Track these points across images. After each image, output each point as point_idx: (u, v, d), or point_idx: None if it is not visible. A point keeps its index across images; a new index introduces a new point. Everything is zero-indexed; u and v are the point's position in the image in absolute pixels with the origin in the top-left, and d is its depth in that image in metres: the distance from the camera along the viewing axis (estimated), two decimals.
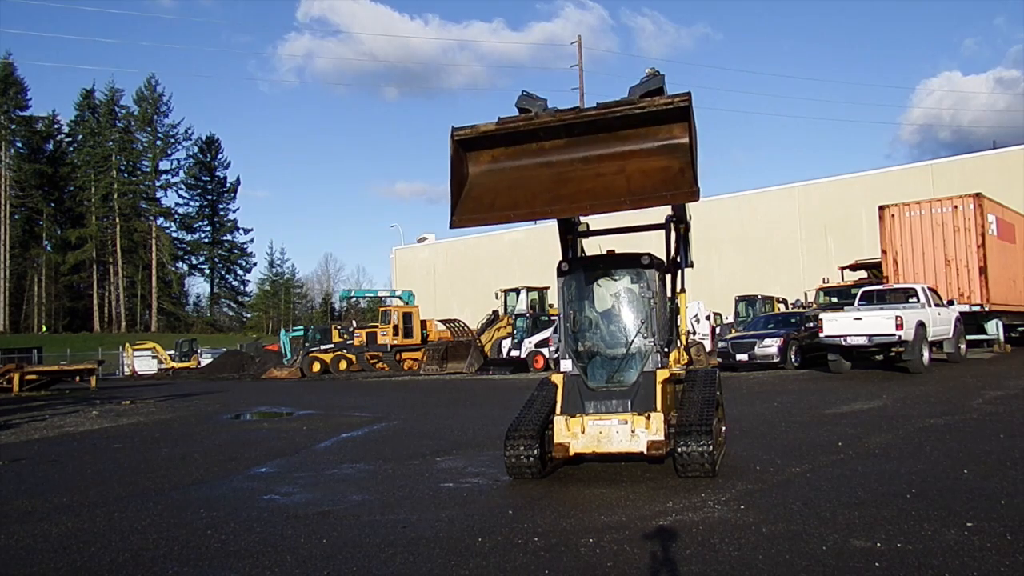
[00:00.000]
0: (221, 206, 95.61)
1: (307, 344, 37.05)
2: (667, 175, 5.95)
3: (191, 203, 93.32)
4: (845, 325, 16.54)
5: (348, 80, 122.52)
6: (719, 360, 20.67)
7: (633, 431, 6.87)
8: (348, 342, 33.93)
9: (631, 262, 7.44)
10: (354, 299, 49.77)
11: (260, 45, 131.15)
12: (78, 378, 28.31)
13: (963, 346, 18.67)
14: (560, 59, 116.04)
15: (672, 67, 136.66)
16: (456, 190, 6.39)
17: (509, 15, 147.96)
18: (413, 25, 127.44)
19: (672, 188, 5.92)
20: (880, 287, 19.10)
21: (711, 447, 6.72)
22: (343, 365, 33.02)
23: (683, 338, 8.50)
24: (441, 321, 33.81)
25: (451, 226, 6.35)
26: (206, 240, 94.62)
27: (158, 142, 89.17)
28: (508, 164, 6.48)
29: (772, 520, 5.39)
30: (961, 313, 18.68)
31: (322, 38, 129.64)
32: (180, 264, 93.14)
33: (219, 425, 14.56)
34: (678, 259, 8.22)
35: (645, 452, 6.80)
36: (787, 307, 27.79)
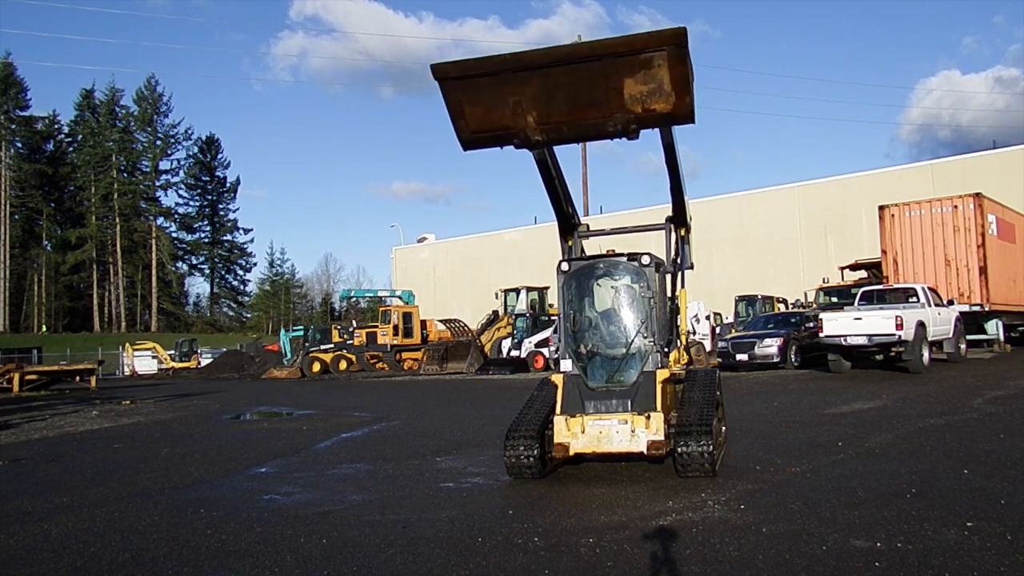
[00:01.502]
0: (221, 206, 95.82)
1: (307, 344, 37.04)
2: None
3: (191, 203, 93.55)
4: (845, 325, 16.54)
5: (343, 79, 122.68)
6: (719, 360, 20.67)
7: (633, 431, 6.87)
8: (348, 342, 33.92)
9: (631, 262, 7.44)
10: (354, 299, 49.72)
11: (254, 44, 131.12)
12: (78, 378, 28.30)
13: (963, 346, 18.68)
14: None
15: None
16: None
17: (505, 13, 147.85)
18: (408, 23, 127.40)
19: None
20: (880, 287, 19.10)
21: (711, 447, 6.72)
22: (343, 365, 33.01)
23: (683, 338, 8.51)
24: (441, 321, 33.82)
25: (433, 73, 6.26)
26: (206, 240, 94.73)
27: (158, 142, 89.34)
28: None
29: (772, 520, 5.39)
30: (961, 313, 18.68)
31: (316, 36, 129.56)
32: (180, 264, 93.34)
33: (219, 425, 14.56)
34: (678, 260, 8.23)
35: (645, 452, 6.80)
36: (787, 307, 27.80)
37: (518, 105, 6.26)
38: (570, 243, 8.15)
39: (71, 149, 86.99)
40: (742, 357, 19.89)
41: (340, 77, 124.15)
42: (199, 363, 45.15)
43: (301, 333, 42.62)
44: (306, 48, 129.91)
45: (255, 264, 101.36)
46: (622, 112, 6.06)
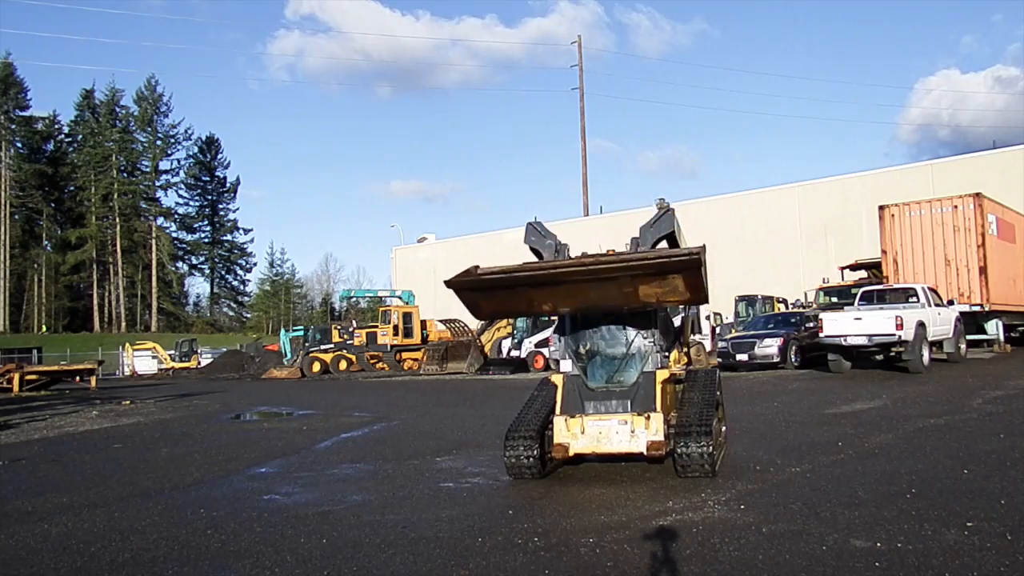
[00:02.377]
0: (221, 206, 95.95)
1: (307, 344, 37.05)
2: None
3: (191, 203, 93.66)
4: (845, 325, 16.54)
5: (340, 78, 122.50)
6: (719, 360, 20.66)
7: (633, 431, 6.87)
8: (348, 342, 33.94)
9: None
10: (354, 299, 49.76)
11: (250, 43, 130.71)
12: (78, 378, 28.31)
13: (963, 346, 18.67)
14: (555, 55, 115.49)
15: (669, 67, 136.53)
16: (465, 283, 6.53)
17: (502, 11, 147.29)
18: (404, 21, 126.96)
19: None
20: (880, 287, 19.10)
21: (711, 447, 6.72)
22: (343, 365, 33.02)
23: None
24: (441, 321, 33.81)
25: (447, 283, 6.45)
26: (206, 240, 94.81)
27: (158, 142, 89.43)
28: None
29: (772, 520, 5.39)
30: (961, 313, 18.68)
31: (312, 35, 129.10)
32: (180, 264, 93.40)
33: (219, 425, 14.56)
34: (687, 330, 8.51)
35: (645, 452, 6.79)
36: (787, 307, 27.78)
37: (532, 300, 6.72)
38: None
39: (71, 149, 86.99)
40: (742, 357, 19.89)
41: (337, 76, 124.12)
42: (199, 363, 45.19)
43: (301, 333, 42.64)
44: (302, 47, 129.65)
45: (255, 264, 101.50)
46: (637, 302, 6.45)
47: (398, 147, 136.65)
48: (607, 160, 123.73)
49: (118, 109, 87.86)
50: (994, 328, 20.49)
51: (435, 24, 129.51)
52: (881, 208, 20.84)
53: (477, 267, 6.64)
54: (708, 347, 25.07)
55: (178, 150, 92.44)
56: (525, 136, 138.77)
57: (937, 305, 17.60)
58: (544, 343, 27.00)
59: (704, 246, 6.25)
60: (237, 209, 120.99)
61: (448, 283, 6.33)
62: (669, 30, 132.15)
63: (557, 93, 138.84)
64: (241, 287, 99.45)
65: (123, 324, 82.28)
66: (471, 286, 6.42)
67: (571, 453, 7.06)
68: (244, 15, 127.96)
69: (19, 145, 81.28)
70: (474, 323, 33.34)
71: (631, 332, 7.31)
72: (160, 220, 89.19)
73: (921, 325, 16.17)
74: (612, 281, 6.17)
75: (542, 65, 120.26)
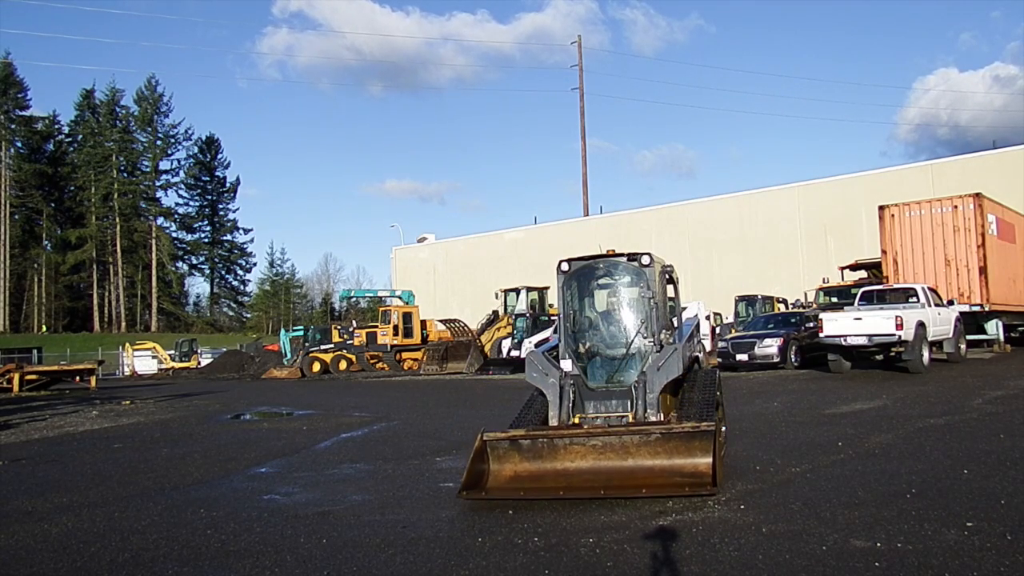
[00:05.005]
0: (221, 206, 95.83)
1: (307, 344, 37.04)
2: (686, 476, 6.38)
3: (191, 203, 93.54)
4: (845, 325, 16.53)
5: (331, 76, 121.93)
6: (719, 360, 20.66)
7: None
8: (348, 342, 33.93)
9: (631, 262, 7.44)
10: (354, 299, 49.87)
11: (240, 41, 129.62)
12: (78, 378, 28.31)
13: (963, 346, 18.66)
14: (550, 52, 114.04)
15: (666, 65, 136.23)
16: (473, 466, 6.61)
17: (494, 6, 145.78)
18: (394, 17, 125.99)
19: (690, 485, 6.30)
20: (880, 287, 19.09)
21: None
22: (343, 365, 33.02)
23: None
24: (441, 321, 33.81)
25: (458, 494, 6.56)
26: (206, 240, 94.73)
27: (158, 142, 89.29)
28: (527, 484, 6.67)
29: (772, 520, 5.39)
30: (961, 313, 18.67)
31: (302, 32, 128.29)
32: (180, 264, 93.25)
33: (219, 425, 14.56)
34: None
35: None
36: (787, 307, 27.77)
37: None
38: None
39: (71, 149, 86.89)
40: (742, 357, 19.88)
41: (328, 74, 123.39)
42: (199, 363, 45.16)
43: (301, 333, 42.61)
44: (293, 44, 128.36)
45: (255, 264, 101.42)
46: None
47: (391, 146, 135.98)
48: (604, 159, 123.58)
49: (118, 109, 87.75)
50: (994, 328, 20.48)
51: (425, 20, 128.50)
52: (881, 208, 20.83)
53: (484, 444, 6.69)
54: (708, 347, 25.06)
55: (178, 150, 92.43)
56: (520, 135, 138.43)
57: (937, 305, 17.58)
58: (544, 343, 27.00)
59: (716, 426, 6.48)
60: (237, 209, 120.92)
61: (459, 495, 6.44)
62: (665, 27, 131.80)
63: (553, 92, 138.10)
64: (241, 287, 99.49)
65: (123, 324, 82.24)
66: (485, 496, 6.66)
67: None
68: (235, 13, 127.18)
69: (19, 145, 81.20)
70: (474, 323, 33.40)
71: (631, 332, 7.31)
72: (160, 220, 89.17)
73: (921, 325, 16.16)
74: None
75: (536, 62, 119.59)
